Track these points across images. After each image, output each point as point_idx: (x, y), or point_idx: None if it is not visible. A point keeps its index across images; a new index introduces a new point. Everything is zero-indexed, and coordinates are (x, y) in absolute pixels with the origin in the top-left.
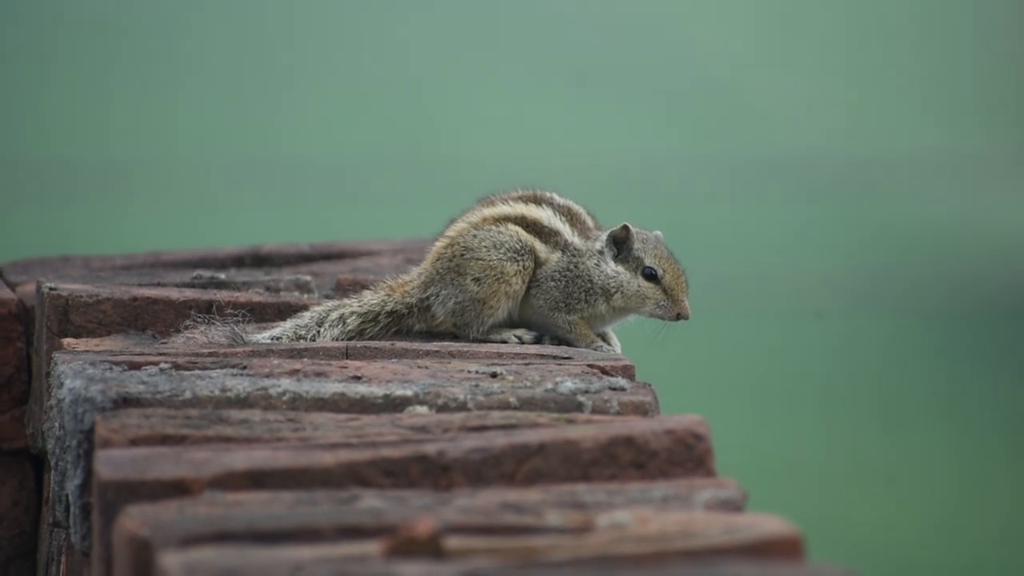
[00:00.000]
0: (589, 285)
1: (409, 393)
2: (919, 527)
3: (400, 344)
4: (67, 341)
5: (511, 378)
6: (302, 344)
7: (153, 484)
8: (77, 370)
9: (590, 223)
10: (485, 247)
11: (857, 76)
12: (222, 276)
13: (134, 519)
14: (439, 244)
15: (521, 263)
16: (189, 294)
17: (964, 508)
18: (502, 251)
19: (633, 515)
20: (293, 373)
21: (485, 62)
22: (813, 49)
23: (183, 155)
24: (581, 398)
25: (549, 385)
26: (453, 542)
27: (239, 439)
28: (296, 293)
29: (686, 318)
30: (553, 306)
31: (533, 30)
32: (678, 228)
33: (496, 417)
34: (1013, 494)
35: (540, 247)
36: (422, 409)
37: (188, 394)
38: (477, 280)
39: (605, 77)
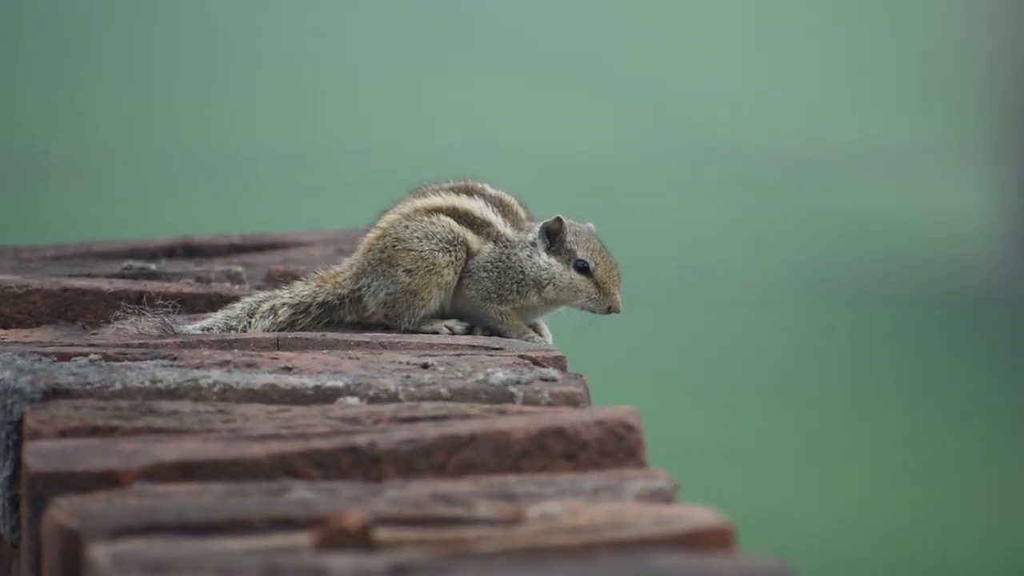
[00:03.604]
0: (521, 276)
1: (340, 384)
2: (851, 517)
3: (331, 335)
4: None
5: (442, 369)
6: (233, 335)
7: (82, 476)
8: (6, 361)
9: (522, 214)
10: (417, 238)
11: (798, 66)
12: (152, 267)
13: (63, 511)
14: (371, 235)
15: (453, 254)
16: (119, 285)
17: (898, 496)
18: (434, 242)
19: (564, 506)
20: (224, 364)
21: (423, 50)
22: (755, 39)
23: (114, 145)
24: (512, 389)
25: (480, 376)
26: (383, 533)
27: (169, 430)
28: (227, 284)
29: (617, 311)
30: (485, 297)
31: (475, 16)
32: (618, 218)
33: (427, 408)
34: (950, 482)
35: (472, 238)
36: (353, 400)
37: (118, 385)
38: (409, 271)
39: (549, 64)
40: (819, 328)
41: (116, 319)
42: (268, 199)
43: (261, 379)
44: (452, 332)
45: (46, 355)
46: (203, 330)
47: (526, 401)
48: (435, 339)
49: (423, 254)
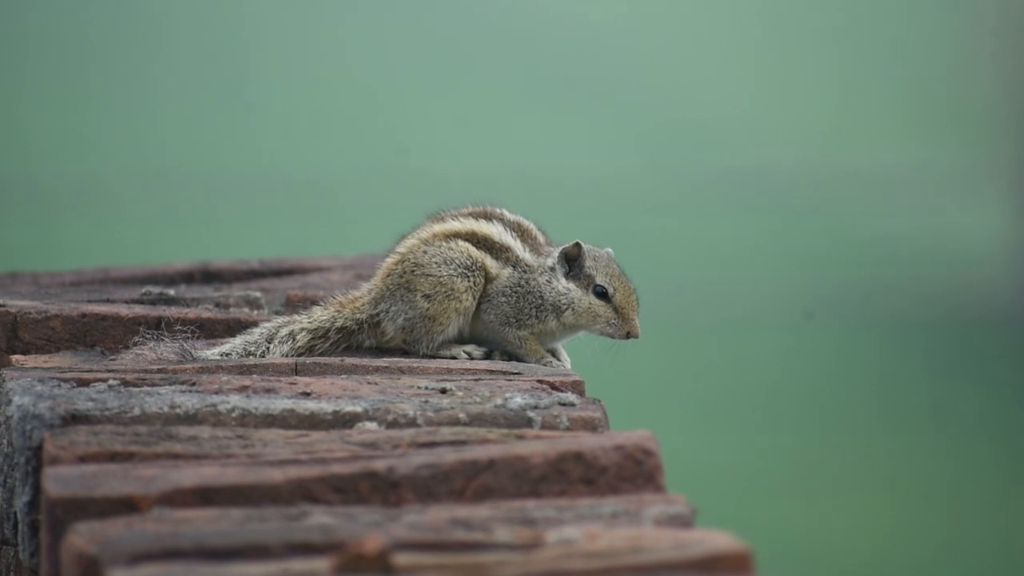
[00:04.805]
0: (540, 301)
1: (359, 409)
2: (870, 541)
3: (350, 360)
4: (16, 358)
5: (461, 394)
6: (251, 360)
7: (101, 501)
8: (26, 387)
9: (541, 239)
10: (435, 263)
11: (814, 88)
12: (171, 292)
13: (82, 536)
14: (389, 260)
15: (471, 279)
16: (138, 310)
17: (919, 521)
18: (452, 267)
19: (582, 531)
20: (242, 389)
21: (440, 75)
22: (770, 62)
23: (132, 170)
24: (531, 414)
25: (499, 401)
26: (402, 558)
27: (188, 456)
28: (246, 309)
29: (636, 337)
30: (504, 321)
31: (493, 43)
32: (634, 240)
33: (446, 433)
34: (972, 505)
35: (491, 263)
36: (372, 425)
37: (137, 411)
38: (427, 296)
39: (561, 89)
40: (836, 351)
41: (135, 344)
42: (287, 224)
43: (280, 404)
44: (470, 357)
45: (65, 381)
46: (222, 355)
47: (544, 426)
48: (453, 364)
49: (442, 279)
